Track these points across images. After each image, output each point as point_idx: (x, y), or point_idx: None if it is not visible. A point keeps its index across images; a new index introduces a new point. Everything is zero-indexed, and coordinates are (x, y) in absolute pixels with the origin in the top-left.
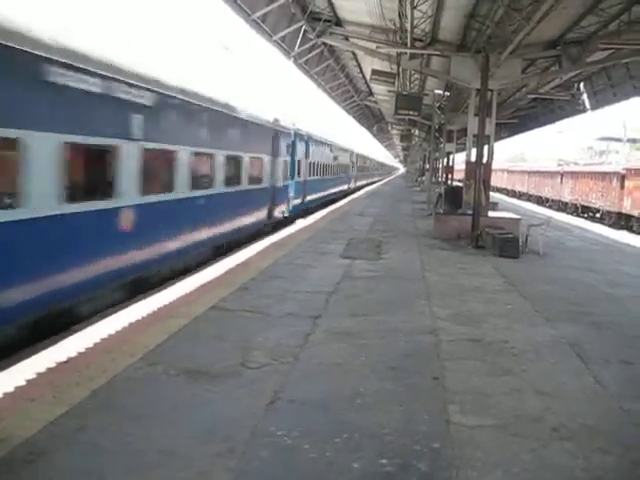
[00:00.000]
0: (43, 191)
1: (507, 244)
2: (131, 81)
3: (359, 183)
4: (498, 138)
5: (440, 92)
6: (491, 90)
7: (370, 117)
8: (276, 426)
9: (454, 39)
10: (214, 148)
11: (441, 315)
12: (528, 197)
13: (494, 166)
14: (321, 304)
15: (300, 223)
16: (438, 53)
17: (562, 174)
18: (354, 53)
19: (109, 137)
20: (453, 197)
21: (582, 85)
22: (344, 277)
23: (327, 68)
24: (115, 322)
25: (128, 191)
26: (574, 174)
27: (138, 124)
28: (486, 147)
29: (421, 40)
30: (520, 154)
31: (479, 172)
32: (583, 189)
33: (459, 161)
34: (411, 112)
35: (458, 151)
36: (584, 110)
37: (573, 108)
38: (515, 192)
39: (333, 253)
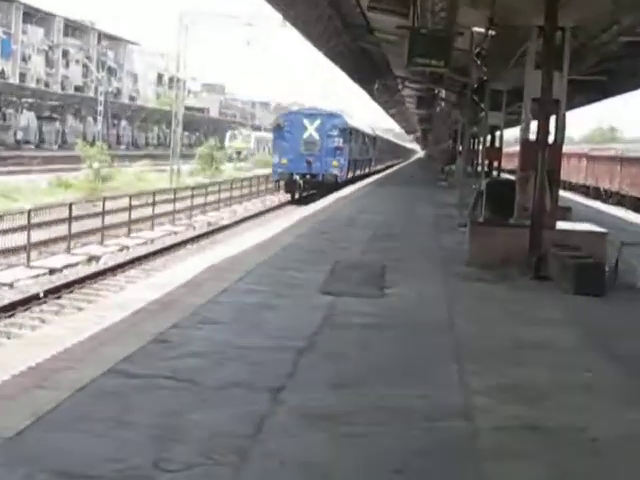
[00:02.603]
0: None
1: (586, 274)
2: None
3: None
4: (573, 104)
5: (481, 31)
6: (562, 29)
7: (367, 68)
8: None
9: None
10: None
11: (479, 387)
12: (620, 199)
13: (565, 149)
14: (286, 368)
15: (256, 236)
16: None
17: None
18: None
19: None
20: (500, 198)
21: None
22: (324, 325)
23: None
24: None
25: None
26: None
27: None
28: (553, 118)
29: None
30: (609, 130)
31: (542, 158)
32: None
33: (510, 139)
34: (434, 62)
35: (509, 125)
36: None
37: None
38: (600, 191)
39: (307, 285)
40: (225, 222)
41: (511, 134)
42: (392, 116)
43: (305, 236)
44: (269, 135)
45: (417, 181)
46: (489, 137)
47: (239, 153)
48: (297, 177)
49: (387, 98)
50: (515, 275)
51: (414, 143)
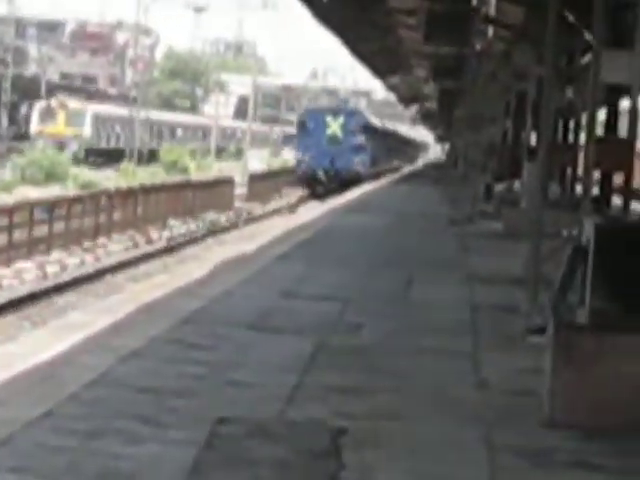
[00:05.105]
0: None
1: None
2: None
3: None
4: None
5: None
6: None
7: None
8: None
9: None
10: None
11: None
12: None
13: None
14: None
15: (26, 354)
16: None
17: None
18: None
19: (392, 148)
20: (628, 264)
21: None
22: None
23: None
24: None
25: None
26: None
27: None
28: None
29: None
30: None
31: None
32: None
33: None
34: None
35: None
36: None
37: None
38: None
39: (148, 478)
40: None
41: None
42: (365, 59)
43: (145, 354)
44: (123, 112)
45: (427, 216)
46: (602, 115)
47: (62, 145)
48: (320, 173)
49: (351, 15)
50: None
51: (417, 129)
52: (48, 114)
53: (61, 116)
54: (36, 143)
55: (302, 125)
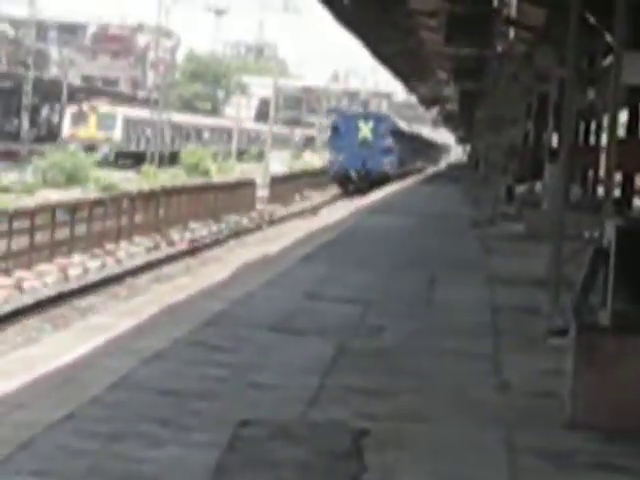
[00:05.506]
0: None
1: None
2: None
3: None
4: None
5: None
6: None
7: None
8: None
9: None
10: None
11: None
12: None
13: None
14: None
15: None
16: None
17: None
18: None
19: (416, 150)
20: None
21: None
22: None
23: None
24: None
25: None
26: None
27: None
28: None
29: None
30: None
31: None
32: None
33: None
34: None
35: None
36: None
37: None
38: None
39: None
40: None
41: None
42: (386, 61)
43: (167, 356)
44: (152, 115)
45: (449, 217)
46: (624, 116)
47: (92, 148)
48: (352, 173)
49: (372, 16)
50: None
51: (439, 131)
52: (80, 118)
53: (92, 120)
54: (68, 146)
55: (335, 129)
